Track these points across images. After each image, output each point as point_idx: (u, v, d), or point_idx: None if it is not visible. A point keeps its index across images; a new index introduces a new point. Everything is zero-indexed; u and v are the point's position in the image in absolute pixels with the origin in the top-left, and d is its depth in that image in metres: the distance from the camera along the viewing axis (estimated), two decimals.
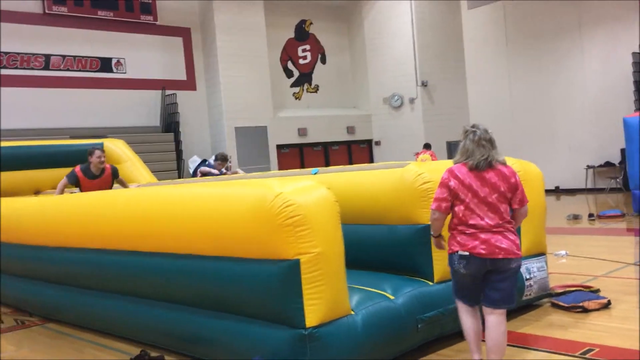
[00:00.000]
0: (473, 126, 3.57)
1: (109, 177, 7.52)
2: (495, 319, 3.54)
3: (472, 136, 3.52)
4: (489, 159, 3.49)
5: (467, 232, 3.48)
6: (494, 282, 3.51)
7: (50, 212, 6.05)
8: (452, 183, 3.51)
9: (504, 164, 3.57)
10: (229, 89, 15.08)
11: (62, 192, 7.31)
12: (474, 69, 18.34)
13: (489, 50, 18.55)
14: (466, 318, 3.67)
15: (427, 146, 14.94)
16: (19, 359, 4.98)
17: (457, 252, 3.51)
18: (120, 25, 13.96)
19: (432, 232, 3.76)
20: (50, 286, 6.02)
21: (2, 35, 12.28)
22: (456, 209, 3.53)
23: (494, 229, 3.46)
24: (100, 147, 7.52)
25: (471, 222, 3.47)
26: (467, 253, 3.46)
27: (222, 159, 9.81)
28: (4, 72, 12.30)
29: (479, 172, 3.49)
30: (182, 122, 14.46)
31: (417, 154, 14.85)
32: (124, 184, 7.84)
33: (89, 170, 7.34)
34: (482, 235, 3.45)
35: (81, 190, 7.32)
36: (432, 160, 13.08)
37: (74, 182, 7.35)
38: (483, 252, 3.43)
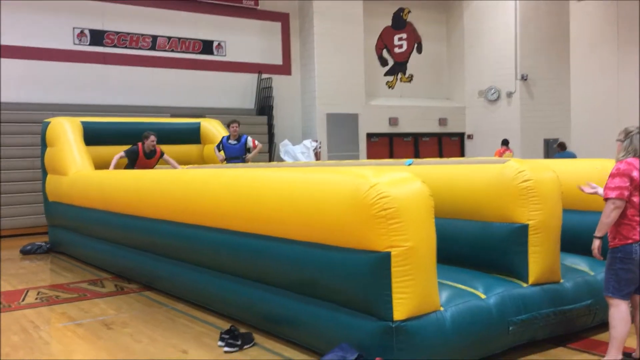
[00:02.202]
0: (639, 127, 3.79)
1: (158, 158, 8.95)
2: None
3: (639, 136, 3.73)
4: None
5: None
6: None
7: (151, 185, 6.36)
8: (636, 174, 3.63)
9: None
10: (323, 75, 15.18)
11: (116, 164, 8.52)
12: (579, 63, 17.39)
13: (598, 45, 17.53)
14: (627, 318, 3.70)
15: (505, 142, 14.33)
16: (119, 322, 5.30)
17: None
18: (223, 9, 14.37)
19: (597, 232, 3.73)
20: (149, 256, 6.34)
21: (115, 15, 12.98)
22: (634, 199, 3.64)
23: None
24: (155, 132, 8.89)
25: None
26: None
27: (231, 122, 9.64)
28: (115, 51, 13.04)
29: None
30: (275, 106, 14.74)
31: (498, 152, 14.16)
32: (169, 162, 9.05)
33: (145, 150, 8.75)
34: None
35: (135, 165, 8.67)
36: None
37: (134, 156, 8.64)
38: None
